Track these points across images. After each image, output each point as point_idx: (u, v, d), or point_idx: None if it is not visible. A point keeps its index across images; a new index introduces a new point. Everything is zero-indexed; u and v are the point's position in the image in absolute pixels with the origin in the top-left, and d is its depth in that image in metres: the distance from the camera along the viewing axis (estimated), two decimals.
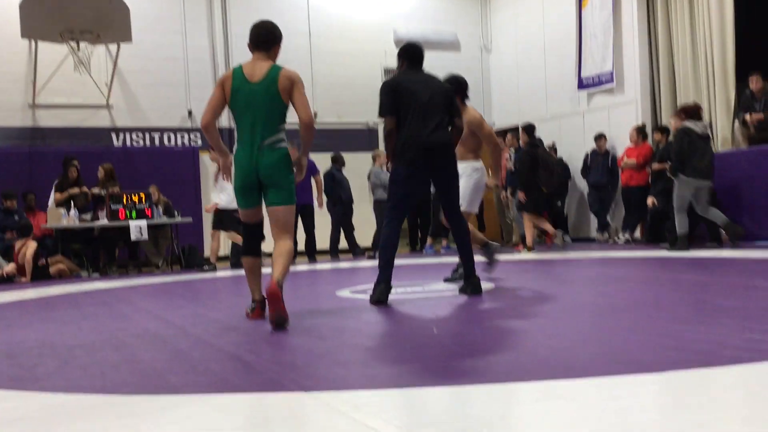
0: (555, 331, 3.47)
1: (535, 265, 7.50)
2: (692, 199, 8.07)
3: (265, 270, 4.57)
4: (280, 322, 3.94)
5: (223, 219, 9.22)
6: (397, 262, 5.01)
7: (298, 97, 4.21)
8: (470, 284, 5.03)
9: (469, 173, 5.78)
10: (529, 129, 9.41)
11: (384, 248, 4.92)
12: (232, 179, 4.37)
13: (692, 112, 8.11)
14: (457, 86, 5.56)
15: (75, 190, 10.07)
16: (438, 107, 4.84)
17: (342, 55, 12.97)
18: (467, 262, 5.05)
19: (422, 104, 4.79)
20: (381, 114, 4.87)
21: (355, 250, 11.03)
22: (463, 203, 5.51)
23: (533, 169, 9.06)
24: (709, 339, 3.01)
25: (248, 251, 4.47)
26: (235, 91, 4.23)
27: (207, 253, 9.74)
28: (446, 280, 5.97)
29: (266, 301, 4.09)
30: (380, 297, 4.80)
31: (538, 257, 8.59)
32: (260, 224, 4.51)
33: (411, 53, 5.05)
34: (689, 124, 7.97)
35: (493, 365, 2.78)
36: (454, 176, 5.00)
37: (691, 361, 2.60)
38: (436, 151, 4.80)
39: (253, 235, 4.49)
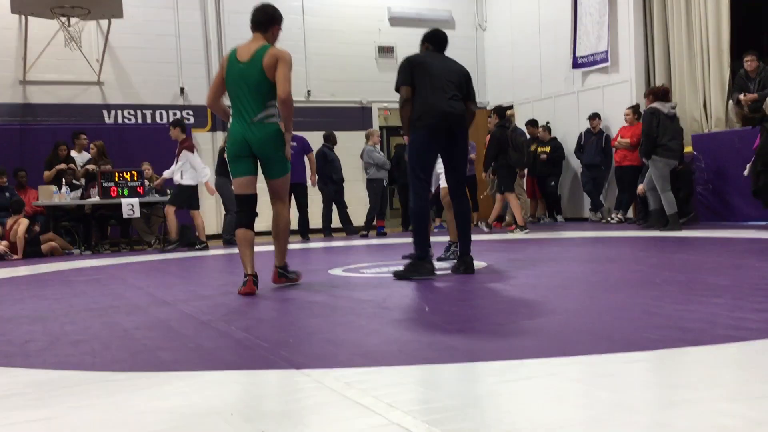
0: (546, 310, 3.47)
1: (528, 245, 7.52)
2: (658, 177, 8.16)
3: (259, 248, 4.58)
4: None
5: (179, 195, 9.24)
6: (390, 240, 5.01)
7: (278, 72, 4.38)
8: (464, 263, 5.04)
9: None
10: (500, 111, 9.44)
11: (419, 221, 4.93)
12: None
13: (661, 93, 8.38)
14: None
15: (62, 166, 9.99)
16: (453, 84, 4.92)
17: (335, 33, 12.85)
18: (464, 241, 5.07)
19: (438, 77, 4.87)
20: (397, 86, 4.93)
21: (348, 229, 11.03)
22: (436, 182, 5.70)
23: (503, 149, 9.10)
24: (700, 317, 3.02)
25: (242, 223, 4.55)
26: (228, 71, 4.52)
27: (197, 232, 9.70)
28: (439, 258, 5.98)
29: (258, 278, 4.51)
30: (428, 272, 4.83)
31: (530, 237, 8.60)
32: (254, 198, 4.56)
33: (435, 38, 5.18)
34: (657, 105, 8.19)
35: (484, 343, 2.78)
36: (465, 152, 5.08)
37: (682, 340, 2.61)
38: (454, 117, 4.86)
39: (247, 207, 4.57)
